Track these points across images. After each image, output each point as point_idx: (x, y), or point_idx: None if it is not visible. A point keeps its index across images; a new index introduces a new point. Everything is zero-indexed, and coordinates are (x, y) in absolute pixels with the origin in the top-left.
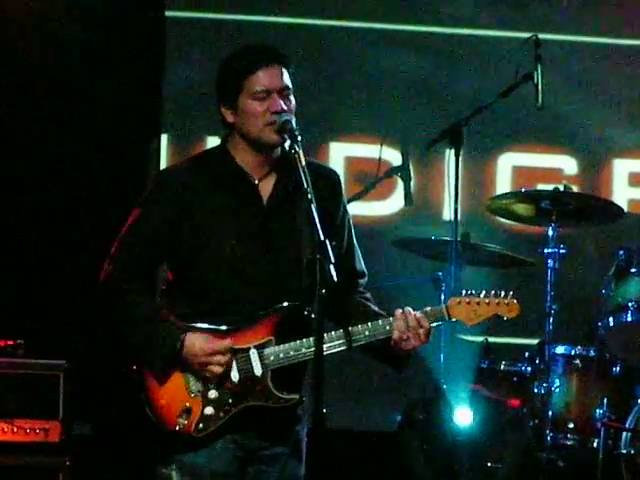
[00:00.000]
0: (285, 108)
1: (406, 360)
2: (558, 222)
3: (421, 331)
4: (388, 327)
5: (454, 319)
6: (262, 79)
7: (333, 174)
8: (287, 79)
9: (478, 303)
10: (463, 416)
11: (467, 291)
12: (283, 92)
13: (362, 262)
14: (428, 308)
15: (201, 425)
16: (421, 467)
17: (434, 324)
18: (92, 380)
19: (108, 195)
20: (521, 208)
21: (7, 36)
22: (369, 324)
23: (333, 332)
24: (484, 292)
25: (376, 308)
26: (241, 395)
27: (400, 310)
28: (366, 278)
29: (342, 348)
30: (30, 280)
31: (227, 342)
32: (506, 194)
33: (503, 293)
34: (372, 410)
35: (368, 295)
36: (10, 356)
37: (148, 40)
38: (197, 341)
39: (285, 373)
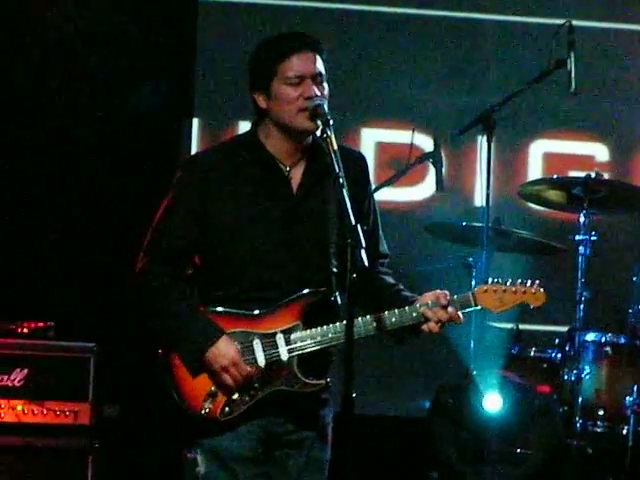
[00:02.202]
0: (319, 94)
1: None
2: (589, 209)
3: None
4: (415, 314)
5: (480, 307)
6: (296, 64)
7: (361, 157)
8: (320, 65)
9: (504, 291)
10: (493, 402)
11: (494, 279)
12: (317, 78)
13: (385, 244)
14: (455, 296)
15: (227, 409)
16: (450, 453)
17: (461, 311)
18: (122, 363)
19: (140, 179)
20: (553, 195)
21: (39, 14)
22: (396, 311)
23: (360, 318)
24: (510, 280)
25: (401, 289)
26: (267, 380)
27: (429, 300)
28: (388, 259)
29: (369, 334)
30: (60, 263)
31: (250, 369)
32: (538, 180)
33: (529, 282)
34: (401, 396)
35: (390, 276)
36: (41, 338)
37: (180, 24)
38: (227, 349)
39: (311, 358)
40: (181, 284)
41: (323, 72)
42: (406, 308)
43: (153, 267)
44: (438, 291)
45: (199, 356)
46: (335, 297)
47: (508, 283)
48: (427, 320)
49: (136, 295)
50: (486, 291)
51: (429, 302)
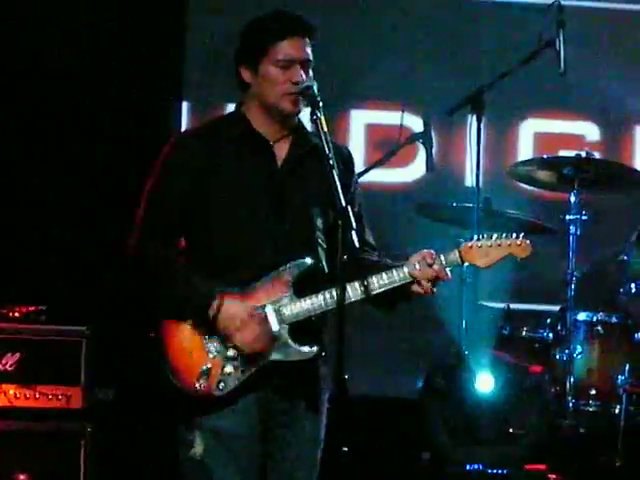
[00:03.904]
0: (305, 79)
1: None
2: (580, 189)
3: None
4: (402, 275)
5: (467, 263)
6: (288, 48)
7: (346, 150)
8: (310, 52)
9: (490, 245)
10: (484, 382)
11: (479, 236)
12: (305, 64)
13: (372, 237)
14: (441, 256)
15: (221, 384)
16: (442, 433)
17: (448, 268)
18: (114, 345)
19: (129, 163)
20: (543, 175)
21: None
22: (383, 274)
23: (348, 284)
24: (495, 235)
25: (386, 260)
26: (261, 352)
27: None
28: (376, 252)
29: (358, 299)
30: (52, 246)
31: (249, 304)
32: (528, 160)
33: (514, 234)
34: (393, 376)
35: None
36: (32, 322)
37: (169, 7)
38: (236, 309)
39: (303, 327)
40: (174, 255)
41: (311, 59)
42: (393, 270)
43: (146, 245)
44: (424, 250)
45: (208, 314)
46: (323, 267)
47: (494, 237)
48: (416, 282)
49: (133, 273)
50: (471, 247)
51: (415, 263)
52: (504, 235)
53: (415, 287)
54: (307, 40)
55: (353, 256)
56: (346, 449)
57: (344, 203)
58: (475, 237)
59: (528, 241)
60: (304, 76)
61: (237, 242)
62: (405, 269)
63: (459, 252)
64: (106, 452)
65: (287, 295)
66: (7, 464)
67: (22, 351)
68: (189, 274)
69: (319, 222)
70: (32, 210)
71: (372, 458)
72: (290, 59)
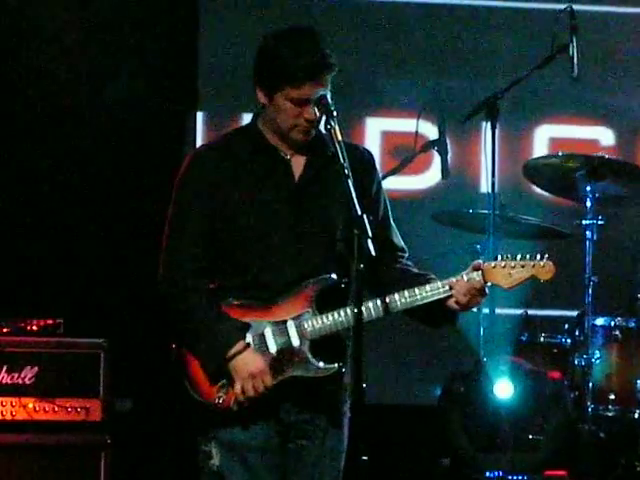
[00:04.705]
0: (318, 115)
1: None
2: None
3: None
4: (424, 293)
5: (490, 283)
6: (305, 91)
7: (366, 152)
8: (328, 86)
9: (513, 266)
10: (503, 389)
11: (502, 256)
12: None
13: (400, 238)
14: (463, 275)
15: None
16: (462, 440)
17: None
18: (133, 357)
19: (146, 175)
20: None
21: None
22: (405, 292)
23: (388, 296)
24: (519, 255)
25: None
26: (280, 367)
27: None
28: (407, 254)
29: (405, 307)
30: (69, 259)
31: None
32: (543, 157)
33: (539, 256)
34: (412, 384)
35: (410, 264)
36: (50, 335)
37: (182, 16)
38: (250, 358)
39: (324, 343)
40: (203, 284)
41: (328, 91)
42: (438, 283)
43: (175, 277)
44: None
45: (221, 362)
46: (345, 283)
47: (518, 258)
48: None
49: (161, 299)
50: (494, 267)
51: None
52: (527, 256)
53: (450, 302)
54: (328, 76)
55: (371, 264)
56: (366, 458)
57: (360, 212)
58: (499, 257)
59: (551, 262)
60: (318, 113)
61: (257, 257)
62: (427, 286)
63: (482, 272)
64: (126, 464)
65: (309, 311)
66: (27, 478)
67: (40, 364)
68: (216, 317)
69: (340, 234)
70: (48, 223)
71: (392, 465)
72: (306, 99)
